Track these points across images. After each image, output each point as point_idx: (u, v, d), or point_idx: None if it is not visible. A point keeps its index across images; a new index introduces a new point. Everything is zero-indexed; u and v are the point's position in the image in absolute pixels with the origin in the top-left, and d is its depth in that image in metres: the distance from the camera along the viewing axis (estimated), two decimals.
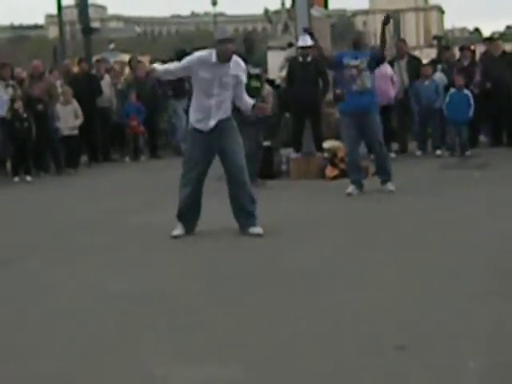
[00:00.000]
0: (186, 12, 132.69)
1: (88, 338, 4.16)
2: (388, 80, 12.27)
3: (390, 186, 8.82)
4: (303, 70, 11.10)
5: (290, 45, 15.10)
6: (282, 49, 18.68)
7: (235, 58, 6.63)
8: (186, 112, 10.42)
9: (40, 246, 6.91)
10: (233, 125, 6.77)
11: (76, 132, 13.11)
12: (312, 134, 11.09)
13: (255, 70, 9.69)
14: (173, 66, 7.01)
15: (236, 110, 7.06)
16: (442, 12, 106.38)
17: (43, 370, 3.73)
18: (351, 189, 8.82)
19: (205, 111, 6.67)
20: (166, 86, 14.04)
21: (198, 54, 6.68)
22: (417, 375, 3.43)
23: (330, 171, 10.32)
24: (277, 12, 30.58)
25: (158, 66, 7.30)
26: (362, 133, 8.81)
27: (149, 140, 14.97)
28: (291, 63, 11.75)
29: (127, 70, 15.99)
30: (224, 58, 6.52)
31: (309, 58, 11.09)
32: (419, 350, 3.69)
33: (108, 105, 14.62)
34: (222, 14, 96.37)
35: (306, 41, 11.06)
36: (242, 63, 6.76)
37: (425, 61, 14.48)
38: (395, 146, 12.90)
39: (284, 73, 12.92)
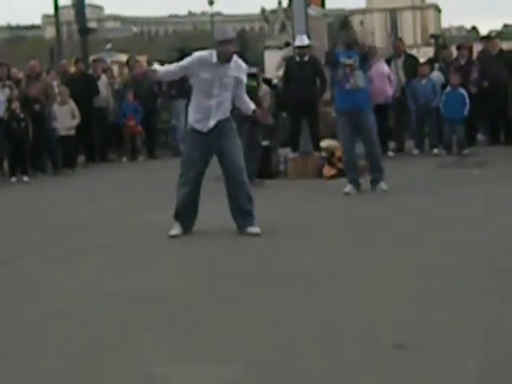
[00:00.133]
0: (183, 12, 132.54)
1: (87, 337, 4.16)
2: (385, 78, 12.29)
3: (382, 185, 8.82)
4: (300, 70, 11.12)
5: (287, 44, 15.12)
6: (280, 48, 18.70)
7: (236, 58, 6.64)
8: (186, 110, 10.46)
9: (37, 246, 6.91)
10: (232, 126, 6.77)
11: (73, 132, 13.11)
12: (309, 133, 11.11)
13: (252, 69, 9.69)
14: (173, 66, 7.00)
15: (235, 109, 7.07)
16: (439, 10, 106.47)
17: (41, 370, 3.72)
18: (349, 188, 8.83)
19: (204, 111, 6.68)
20: (171, 87, 13.99)
21: (198, 54, 6.67)
22: (415, 374, 3.43)
23: (328, 170, 10.33)
24: (274, 11, 30.60)
25: (158, 67, 7.27)
26: (357, 131, 8.82)
27: (146, 140, 14.97)
28: (288, 63, 11.77)
29: (126, 70, 16.00)
30: (224, 59, 6.52)
31: (306, 58, 11.11)
32: (417, 349, 3.69)
33: (105, 105, 14.62)
34: (219, 14, 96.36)
35: (303, 40, 11.09)
36: (243, 64, 6.77)
37: (422, 59, 14.51)
38: (392, 144, 12.92)
39: (281, 72, 12.94)
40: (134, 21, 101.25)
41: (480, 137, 13.84)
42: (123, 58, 24.85)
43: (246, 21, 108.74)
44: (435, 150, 12.51)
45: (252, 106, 6.86)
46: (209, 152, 6.76)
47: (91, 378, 3.62)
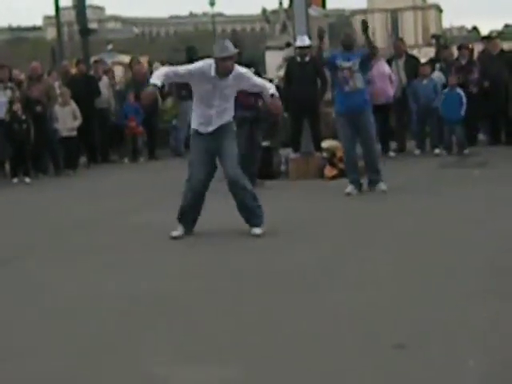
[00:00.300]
0: (184, 12, 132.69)
1: (87, 337, 4.17)
2: (386, 79, 12.30)
3: (382, 185, 8.81)
4: (301, 70, 11.11)
5: (288, 45, 15.13)
6: (281, 49, 18.73)
7: (236, 71, 6.64)
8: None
9: (37, 246, 6.93)
10: (231, 128, 6.83)
11: (74, 133, 13.12)
12: (311, 133, 11.10)
13: (249, 70, 9.64)
14: (173, 68, 6.94)
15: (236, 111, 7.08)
16: (440, 11, 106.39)
17: (41, 370, 3.74)
18: (350, 188, 8.83)
19: (205, 118, 6.77)
20: (181, 87, 13.95)
21: (198, 65, 6.70)
22: (415, 374, 3.43)
23: (329, 171, 10.32)
24: (275, 12, 30.61)
25: (157, 72, 7.09)
26: (357, 131, 8.82)
27: (148, 141, 14.97)
28: (289, 63, 11.77)
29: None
30: (223, 74, 6.58)
31: (307, 58, 11.10)
32: (417, 349, 3.70)
33: (106, 106, 14.63)
34: (220, 15, 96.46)
35: (304, 41, 11.08)
36: (243, 71, 6.78)
37: (423, 60, 14.50)
38: (393, 144, 12.92)
39: (282, 72, 12.95)
40: (135, 22, 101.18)
41: (481, 137, 13.83)
42: (124, 58, 24.85)
43: (246, 21, 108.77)
44: (436, 151, 12.50)
45: (271, 88, 6.77)
46: (210, 153, 6.78)
47: (91, 378, 3.62)
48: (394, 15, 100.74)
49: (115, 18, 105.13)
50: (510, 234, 6.23)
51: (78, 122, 13.12)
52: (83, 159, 14.25)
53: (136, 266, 5.85)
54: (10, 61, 23.67)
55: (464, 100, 12.06)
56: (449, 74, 12.68)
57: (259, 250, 6.20)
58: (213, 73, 6.54)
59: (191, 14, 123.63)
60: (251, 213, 6.76)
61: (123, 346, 4.02)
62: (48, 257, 6.42)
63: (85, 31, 18.53)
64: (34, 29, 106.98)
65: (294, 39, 11.64)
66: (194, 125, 6.88)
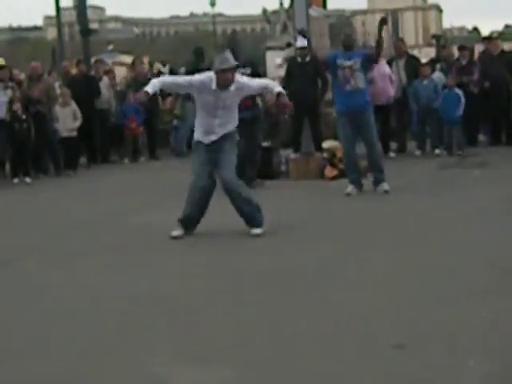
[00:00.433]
0: (184, 13, 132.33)
1: (87, 338, 4.16)
2: (387, 79, 12.30)
3: (385, 185, 8.81)
4: (302, 70, 11.12)
5: (289, 45, 15.12)
6: (281, 49, 18.71)
7: (236, 82, 6.66)
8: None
9: (37, 247, 6.92)
10: (234, 137, 6.90)
11: (75, 133, 13.11)
12: (311, 133, 11.11)
13: (246, 70, 9.64)
14: (172, 78, 6.94)
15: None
16: (441, 11, 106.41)
17: (41, 371, 3.73)
18: (350, 189, 8.83)
19: (209, 128, 6.80)
20: None
21: (199, 77, 6.74)
22: (415, 374, 3.43)
23: (329, 171, 10.32)
24: (275, 12, 30.56)
25: (155, 80, 7.07)
26: (358, 131, 8.81)
27: (148, 141, 14.97)
28: (290, 63, 11.77)
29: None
30: (223, 86, 6.61)
31: (307, 58, 11.11)
32: (417, 349, 3.69)
33: (107, 106, 14.61)
34: (220, 15, 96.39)
35: (304, 41, 11.08)
36: (243, 80, 6.81)
37: (424, 60, 14.50)
38: (394, 145, 12.92)
39: (282, 71, 12.94)
40: (135, 22, 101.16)
41: (481, 137, 13.83)
42: (125, 59, 24.85)
43: (247, 22, 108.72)
44: (437, 151, 12.51)
45: (276, 86, 6.84)
46: (212, 163, 6.82)
47: (91, 378, 3.62)
48: (395, 15, 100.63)
49: (116, 19, 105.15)
50: (510, 234, 6.22)
51: (78, 123, 13.11)
52: (83, 160, 14.25)
53: (136, 267, 5.85)
54: (11, 61, 23.64)
55: (462, 100, 12.07)
56: (449, 75, 12.69)
57: (259, 250, 6.20)
58: (213, 86, 6.60)
59: (192, 15, 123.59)
60: (249, 216, 6.79)
61: (123, 346, 4.02)
62: (48, 258, 6.41)
63: (85, 31, 18.53)
64: (35, 29, 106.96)
65: (295, 39, 11.64)
66: (197, 134, 6.91)
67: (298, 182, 10.16)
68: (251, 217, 6.77)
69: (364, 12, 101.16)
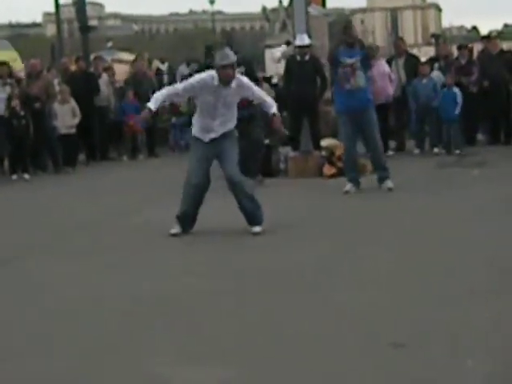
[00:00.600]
0: (183, 10, 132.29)
1: (89, 338, 4.15)
2: (386, 78, 12.30)
3: (389, 183, 8.82)
4: (301, 69, 11.11)
5: (288, 43, 15.11)
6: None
7: (237, 79, 6.68)
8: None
9: (38, 246, 6.89)
10: (233, 135, 6.89)
11: (74, 131, 13.11)
12: (310, 132, 11.11)
13: (240, 69, 9.61)
14: (173, 89, 6.93)
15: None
16: (440, 10, 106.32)
17: (42, 371, 3.72)
18: (348, 187, 8.83)
19: (208, 128, 6.80)
20: None
21: (200, 77, 6.75)
22: (416, 374, 3.43)
23: (328, 169, 10.33)
24: (275, 10, 30.52)
25: (158, 94, 7.04)
26: (359, 130, 8.81)
27: (147, 138, 14.96)
28: (289, 61, 11.75)
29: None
30: (225, 82, 6.62)
31: (306, 57, 11.10)
32: (418, 349, 3.69)
33: (106, 103, 14.60)
34: (219, 12, 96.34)
35: (303, 40, 11.09)
36: (245, 80, 6.82)
37: (423, 59, 14.50)
38: (393, 143, 12.93)
39: (281, 69, 12.92)
40: (134, 19, 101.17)
41: (480, 136, 13.84)
42: (124, 56, 24.81)
43: (246, 19, 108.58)
44: (435, 150, 12.51)
45: (272, 106, 6.84)
46: (209, 160, 6.84)
47: (93, 378, 3.61)
48: (394, 14, 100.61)
49: (115, 15, 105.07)
50: (508, 233, 6.22)
51: (77, 120, 13.10)
52: (82, 157, 14.24)
53: (138, 266, 5.83)
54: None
55: (459, 99, 12.08)
56: (448, 74, 12.69)
57: (259, 249, 6.20)
58: (216, 82, 6.61)
59: (191, 12, 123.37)
60: (250, 213, 6.80)
61: (125, 346, 4.01)
62: (48, 256, 6.39)
63: (85, 28, 18.53)
64: (34, 25, 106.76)
65: (294, 38, 11.63)
66: (195, 131, 6.90)
67: (296, 180, 10.17)
68: (252, 214, 6.78)
69: (363, 10, 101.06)
